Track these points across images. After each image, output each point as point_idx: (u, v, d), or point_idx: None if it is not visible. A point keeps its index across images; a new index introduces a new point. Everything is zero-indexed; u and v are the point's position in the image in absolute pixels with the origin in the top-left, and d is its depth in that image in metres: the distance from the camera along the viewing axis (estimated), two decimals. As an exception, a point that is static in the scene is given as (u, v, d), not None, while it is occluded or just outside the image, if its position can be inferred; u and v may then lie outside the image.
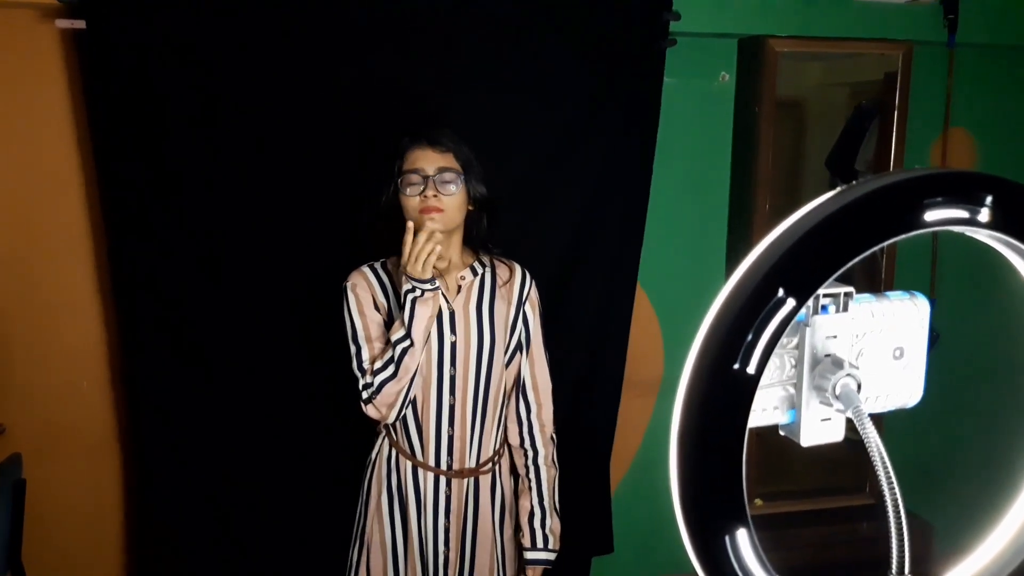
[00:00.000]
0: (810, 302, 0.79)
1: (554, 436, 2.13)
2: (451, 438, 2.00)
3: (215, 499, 2.42)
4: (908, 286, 0.92)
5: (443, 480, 2.01)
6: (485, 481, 2.05)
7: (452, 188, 1.89)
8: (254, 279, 2.34)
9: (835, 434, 0.83)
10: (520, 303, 2.06)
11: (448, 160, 1.92)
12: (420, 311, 1.85)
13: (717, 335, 0.73)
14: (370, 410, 1.92)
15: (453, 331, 1.97)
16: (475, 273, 2.03)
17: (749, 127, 2.76)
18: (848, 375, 0.79)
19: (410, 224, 1.83)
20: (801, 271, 0.73)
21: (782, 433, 0.85)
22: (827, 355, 0.81)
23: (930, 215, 0.75)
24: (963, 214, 0.76)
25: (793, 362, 0.81)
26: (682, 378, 0.75)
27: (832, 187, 0.78)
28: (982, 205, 0.76)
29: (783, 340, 0.76)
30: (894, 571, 0.75)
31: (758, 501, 2.95)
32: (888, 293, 0.86)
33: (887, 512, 0.74)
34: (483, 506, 2.05)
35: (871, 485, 3.02)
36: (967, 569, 0.91)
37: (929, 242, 2.94)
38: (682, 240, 2.80)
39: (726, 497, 0.74)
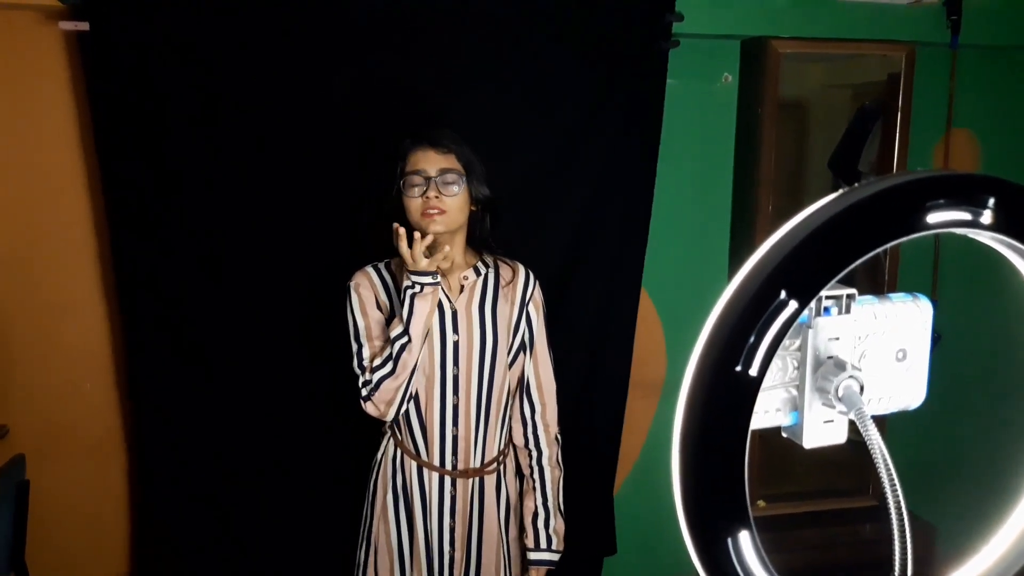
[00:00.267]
0: (813, 304, 0.79)
1: (558, 437, 2.13)
2: (455, 438, 2.00)
3: (216, 499, 2.42)
4: (910, 288, 0.92)
5: (448, 480, 2.02)
6: (490, 481, 2.06)
7: (454, 189, 1.90)
8: (255, 279, 2.34)
9: (838, 436, 0.83)
10: (524, 303, 2.06)
11: (450, 161, 1.92)
12: (419, 307, 1.85)
13: (719, 337, 0.73)
14: (369, 407, 1.92)
15: (456, 330, 1.98)
16: (478, 273, 2.03)
17: (752, 128, 2.76)
18: (851, 377, 0.79)
19: (396, 226, 1.84)
20: (803, 273, 0.74)
21: (785, 435, 0.85)
22: (830, 357, 0.81)
23: (932, 217, 0.75)
24: (966, 216, 0.76)
25: (796, 364, 0.82)
26: (684, 380, 0.76)
27: (835, 188, 0.78)
28: (984, 207, 0.76)
29: (785, 342, 0.76)
30: (897, 573, 0.75)
31: (761, 503, 2.95)
32: (891, 295, 0.86)
33: (890, 514, 0.74)
34: (488, 506, 2.05)
35: (873, 487, 3.01)
36: (970, 571, 0.91)
37: (931, 244, 2.94)
38: (685, 241, 2.80)
39: (728, 499, 0.74)
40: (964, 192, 0.76)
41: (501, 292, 2.04)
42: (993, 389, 2.96)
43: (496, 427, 2.04)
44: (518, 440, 2.11)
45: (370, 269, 2.02)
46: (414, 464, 2.02)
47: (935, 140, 2.98)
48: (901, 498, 0.74)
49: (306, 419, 2.42)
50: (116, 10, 2.16)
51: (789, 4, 2.65)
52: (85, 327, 2.46)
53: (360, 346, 1.95)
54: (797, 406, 0.82)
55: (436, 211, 1.88)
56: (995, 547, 0.92)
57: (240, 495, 2.42)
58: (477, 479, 2.04)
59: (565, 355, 2.42)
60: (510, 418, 2.10)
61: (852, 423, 0.80)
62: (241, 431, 2.39)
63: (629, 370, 2.65)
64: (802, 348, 0.81)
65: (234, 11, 2.22)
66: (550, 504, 2.09)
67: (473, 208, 1.98)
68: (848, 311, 0.81)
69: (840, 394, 0.79)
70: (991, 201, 0.76)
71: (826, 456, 0.89)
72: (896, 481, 0.74)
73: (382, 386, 1.89)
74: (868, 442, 0.75)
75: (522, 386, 2.10)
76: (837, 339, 0.81)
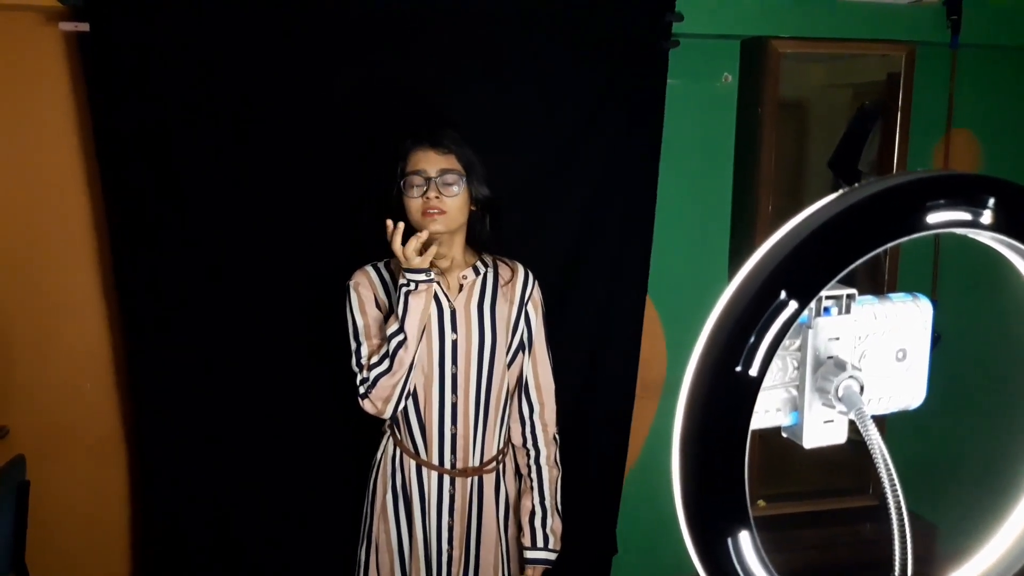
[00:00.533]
0: (813, 304, 0.79)
1: (556, 436, 2.13)
2: (454, 436, 2.01)
3: (217, 499, 2.42)
4: (910, 288, 0.92)
5: (447, 479, 2.02)
6: (489, 480, 2.06)
7: (454, 189, 1.91)
8: (255, 279, 2.34)
9: (838, 436, 0.83)
10: (522, 303, 2.07)
11: (450, 161, 1.92)
12: (413, 304, 1.86)
13: (720, 337, 0.73)
14: (366, 405, 1.93)
15: (454, 329, 1.98)
16: (477, 272, 2.04)
17: (752, 128, 2.76)
18: (851, 377, 0.79)
19: (388, 222, 1.85)
20: (803, 273, 0.74)
21: (785, 435, 0.85)
22: (830, 357, 0.81)
23: (932, 217, 0.75)
24: (966, 216, 0.76)
25: (796, 364, 0.82)
26: (685, 380, 0.76)
27: (835, 188, 0.78)
28: (984, 207, 0.76)
29: (786, 342, 0.76)
30: (897, 572, 0.75)
31: (761, 502, 2.95)
32: (890, 295, 0.86)
33: (890, 513, 0.74)
34: (487, 505, 2.06)
35: (873, 486, 3.01)
36: (971, 571, 0.91)
37: (931, 244, 2.94)
38: (685, 241, 2.80)
39: (728, 499, 0.74)
40: (964, 192, 0.77)
41: (500, 291, 2.04)
42: (993, 389, 2.96)
43: (495, 426, 2.05)
44: (516, 439, 2.12)
45: (369, 268, 2.02)
46: (413, 463, 2.03)
47: (935, 140, 2.98)
48: (901, 498, 0.74)
49: (306, 419, 2.43)
50: (116, 11, 2.16)
51: (789, 4, 2.65)
52: (85, 328, 2.46)
53: (359, 344, 1.95)
54: (797, 406, 0.82)
55: (436, 211, 1.89)
56: (995, 547, 0.92)
57: (241, 495, 2.43)
58: (476, 478, 2.05)
59: (566, 355, 2.43)
60: (508, 417, 2.10)
61: (852, 423, 0.80)
62: (242, 431, 2.39)
63: (636, 373, 2.65)
64: (802, 348, 0.81)
65: (234, 12, 2.22)
66: (548, 503, 2.10)
67: (473, 208, 1.98)
68: (848, 311, 0.81)
69: (840, 394, 0.79)
70: (991, 201, 0.76)
71: (826, 456, 0.89)
72: (896, 481, 0.74)
73: (379, 383, 1.90)
74: (868, 442, 0.75)
75: (521, 386, 2.10)
76: (837, 339, 0.81)
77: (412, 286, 1.85)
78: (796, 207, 0.77)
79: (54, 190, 2.38)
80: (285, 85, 2.27)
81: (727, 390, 0.73)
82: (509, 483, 2.12)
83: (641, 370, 2.70)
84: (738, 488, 0.74)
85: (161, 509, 2.41)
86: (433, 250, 1.85)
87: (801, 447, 0.84)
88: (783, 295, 0.72)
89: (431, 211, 1.89)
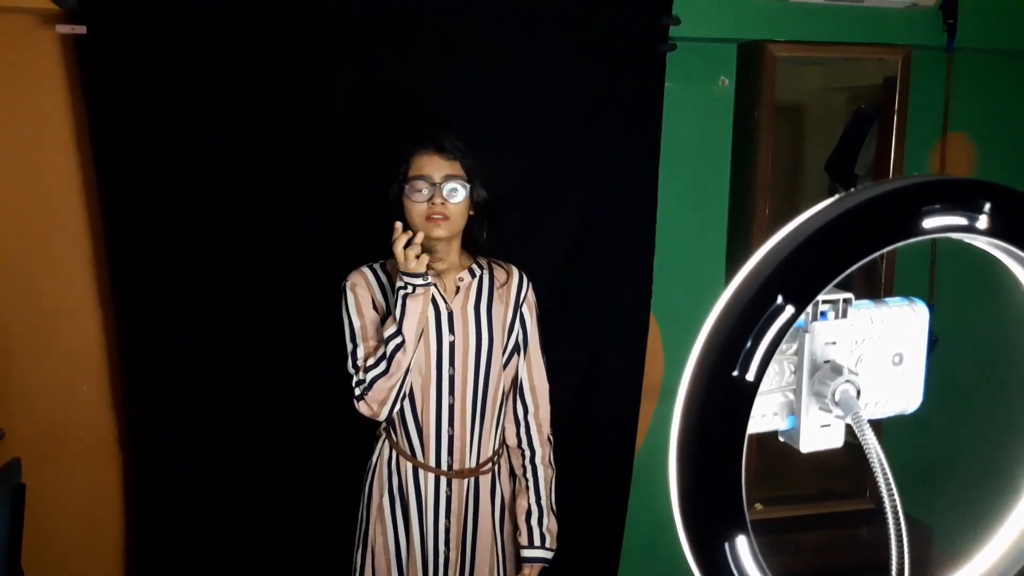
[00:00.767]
0: (809, 308, 0.79)
1: (551, 437, 2.15)
2: (451, 438, 2.01)
3: (217, 499, 2.42)
4: (907, 292, 0.93)
5: (444, 481, 2.03)
6: (485, 481, 2.07)
7: (459, 197, 1.92)
8: (255, 279, 2.34)
9: (834, 440, 0.83)
10: (517, 305, 2.09)
11: (455, 168, 1.93)
12: (411, 307, 1.87)
13: (716, 341, 0.73)
14: (362, 407, 1.94)
15: (452, 331, 1.99)
16: (473, 275, 2.06)
17: (748, 132, 2.76)
18: (847, 381, 0.79)
19: (398, 225, 1.85)
20: (800, 278, 0.74)
21: (782, 439, 0.85)
22: (826, 361, 0.81)
23: (929, 222, 0.75)
24: (962, 221, 0.77)
25: (792, 368, 0.82)
26: (682, 384, 0.76)
27: (831, 191, 0.78)
28: (980, 212, 0.77)
29: (782, 346, 0.76)
30: (894, 575, 0.75)
31: (758, 505, 2.95)
32: (887, 299, 0.86)
33: (886, 517, 0.74)
34: (483, 506, 2.07)
35: (870, 490, 3.02)
36: (968, 573, 0.91)
37: (928, 248, 2.94)
38: (681, 244, 2.80)
39: (726, 503, 0.74)
40: (960, 197, 0.77)
41: (496, 293, 2.06)
42: (989, 392, 2.97)
43: (491, 427, 2.06)
44: (511, 440, 2.13)
45: (366, 269, 2.03)
46: (410, 465, 2.03)
47: (931, 143, 2.99)
48: (898, 501, 0.74)
49: (306, 419, 2.42)
50: (113, 13, 2.15)
51: (785, 8, 2.66)
52: (82, 329, 2.46)
53: (355, 346, 1.96)
54: (794, 410, 0.83)
55: (440, 217, 1.90)
56: (992, 549, 0.92)
57: (240, 496, 2.42)
58: (472, 479, 2.06)
59: (566, 355, 2.45)
60: (503, 418, 2.11)
61: (849, 427, 0.81)
62: (241, 431, 2.39)
63: (641, 374, 2.64)
64: (799, 352, 0.81)
65: (232, 12, 2.22)
66: (544, 503, 2.11)
67: (471, 212, 1.99)
68: (845, 315, 0.82)
69: (837, 398, 0.79)
70: (987, 206, 0.77)
71: (823, 459, 0.89)
72: (893, 484, 0.75)
73: (375, 386, 1.90)
74: (865, 446, 0.75)
75: (516, 387, 2.12)
76: (834, 343, 0.81)
77: (410, 289, 1.85)
78: (793, 210, 0.77)
79: (51, 192, 2.38)
80: (284, 85, 2.27)
81: (724, 394, 0.73)
82: (504, 484, 2.13)
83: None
84: (735, 492, 0.74)
85: (161, 509, 2.41)
86: (425, 258, 1.86)
87: (798, 451, 0.84)
88: (780, 299, 0.72)
89: (435, 217, 1.90)
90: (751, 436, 0.76)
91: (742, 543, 0.75)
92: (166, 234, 2.27)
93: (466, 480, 2.05)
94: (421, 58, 2.34)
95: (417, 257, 1.85)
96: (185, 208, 2.27)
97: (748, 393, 0.73)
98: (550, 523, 2.12)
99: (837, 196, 0.76)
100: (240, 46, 2.24)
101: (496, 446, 2.10)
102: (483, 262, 2.09)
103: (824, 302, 0.80)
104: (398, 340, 1.88)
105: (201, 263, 2.30)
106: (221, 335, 2.34)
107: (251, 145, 2.28)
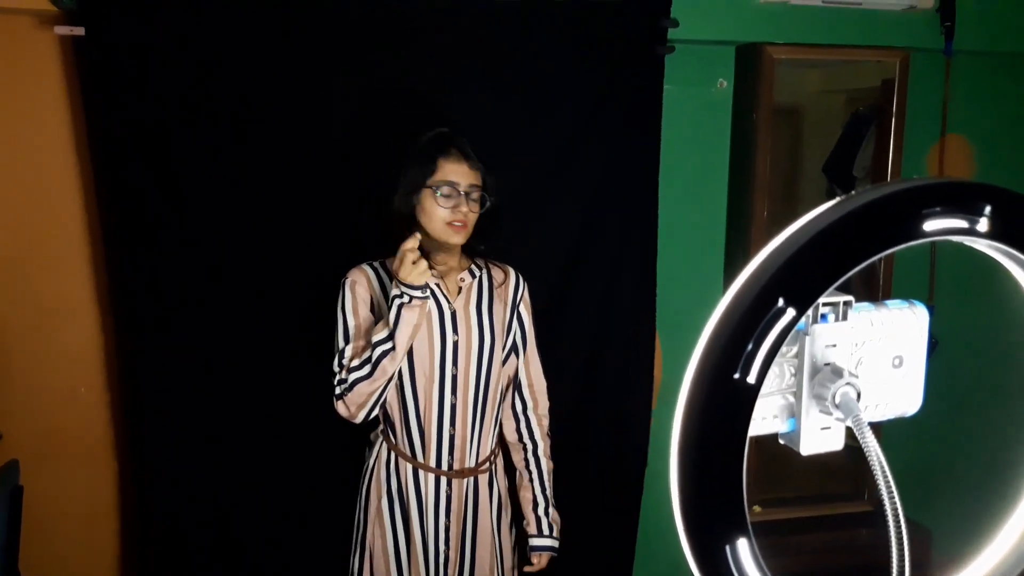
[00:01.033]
0: (810, 311, 0.79)
1: (549, 432, 2.18)
2: (452, 438, 2.02)
3: (216, 499, 2.41)
4: (907, 295, 0.93)
5: (444, 481, 2.04)
6: (483, 480, 2.09)
7: (480, 206, 1.94)
8: (254, 280, 2.34)
9: (835, 443, 0.84)
10: (515, 304, 2.12)
11: (478, 177, 1.96)
12: (407, 317, 1.87)
13: (717, 344, 0.73)
14: (340, 407, 1.94)
15: (455, 331, 2.00)
16: (473, 275, 2.08)
17: (747, 134, 2.76)
18: (848, 384, 0.79)
19: (416, 235, 1.86)
20: (801, 281, 0.74)
21: (782, 441, 0.85)
22: (827, 364, 0.81)
23: (929, 225, 0.75)
24: (962, 224, 0.77)
25: (793, 371, 0.82)
26: (682, 387, 0.76)
27: (829, 194, 0.78)
28: (980, 215, 0.77)
29: (783, 349, 0.76)
30: (894, 579, 0.75)
31: (757, 508, 2.95)
32: (887, 302, 0.86)
33: (886, 519, 0.74)
34: (482, 505, 2.09)
35: (870, 492, 3.02)
36: (967, 577, 0.91)
37: (927, 250, 2.95)
38: (680, 246, 2.80)
39: (726, 506, 0.74)
40: (960, 200, 0.77)
41: (495, 293, 2.08)
42: (989, 394, 2.97)
43: (490, 426, 2.08)
44: (511, 436, 2.16)
45: (367, 267, 2.03)
46: (409, 467, 2.03)
47: (929, 145, 2.99)
48: (898, 503, 0.74)
49: (306, 419, 2.42)
50: (112, 14, 2.15)
51: (784, 10, 2.66)
52: (80, 331, 2.45)
53: (345, 344, 1.96)
54: (794, 413, 0.83)
55: (461, 224, 1.92)
56: (992, 552, 0.92)
57: (240, 496, 2.42)
58: (471, 478, 2.07)
59: (566, 355, 2.46)
60: (501, 416, 2.14)
61: (849, 429, 0.81)
62: (241, 431, 2.39)
63: (651, 374, 2.64)
64: (799, 355, 0.81)
65: (232, 13, 2.22)
66: (548, 493, 2.16)
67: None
68: (845, 318, 0.82)
69: (837, 401, 0.79)
70: (987, 209, 0.77)
71: (823, 461, 0.89)
72: (893, 487, 0.75)
73: (356, 388, 1.91)
74: (865, 448, 0.76)
75: (514, 384, 2.15)
76: (834, 346, 0.81)
77: (406, 299, 1.85)
78: (791, 212, 0.77)
79: (51, 193, 2.38)
80: (284, 85, 2.27)
81: (725, 397, 0.73)
82: (500, 482, 2.15)
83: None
84: (736, 495, 0.74)
85: (161, 509, 2.40)
86: (428, 273, 1.86)
87: (797, 453, 0.84)
88: (781, 302, 0.72)
89: (456, 224, 1.91)
90: (751, 438, 0.76)
91: (743, 545, 0.75)
92: (166, 234, 2.27)
93: (465, 480, 2.06)
94: (421, 58, 2.35)
95: (421, 270, 1.84)
96: (185, 208, 2.27)
97: (749, 396, 0.73)
98: (554, 514, 2.17)
99: (837, 199, 0.77)
100: (240, 46, 2.24)
101: (493, 445, 2.11)
102: (480, 262, 2.11)
103: (824, 305, 0.80)
104: (387, 347, 1.87)
105: (201, 263, 2.30)
106: (221, 335, 2.34)
107: (251, 145, 2.28)
